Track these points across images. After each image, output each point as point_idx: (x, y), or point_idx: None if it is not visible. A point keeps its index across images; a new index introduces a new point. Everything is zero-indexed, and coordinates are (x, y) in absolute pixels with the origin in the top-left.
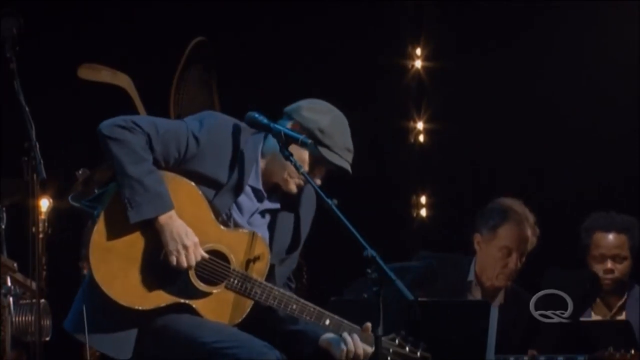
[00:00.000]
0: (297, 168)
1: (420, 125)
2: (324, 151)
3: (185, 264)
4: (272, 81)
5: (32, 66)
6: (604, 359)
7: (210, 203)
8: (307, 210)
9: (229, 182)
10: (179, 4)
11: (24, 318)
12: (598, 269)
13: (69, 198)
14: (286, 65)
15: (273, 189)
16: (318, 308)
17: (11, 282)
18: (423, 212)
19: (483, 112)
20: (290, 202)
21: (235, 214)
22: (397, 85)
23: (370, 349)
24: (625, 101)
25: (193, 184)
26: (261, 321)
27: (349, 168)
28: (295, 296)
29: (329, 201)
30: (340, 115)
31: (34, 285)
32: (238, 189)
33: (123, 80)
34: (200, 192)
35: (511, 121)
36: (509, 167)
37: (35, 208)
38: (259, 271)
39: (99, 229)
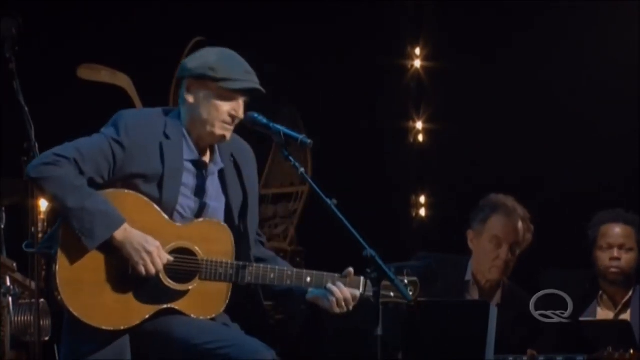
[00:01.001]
0: (297, 168)
1: (419, 125)
2: (224, 84)
3: (154, 270)
4: (272, 80)
5: (32, 66)
6: (603, 359)
7: (159, 201)
8: (244, 158)
9: (165, 168)
10: (179, 4)
11: (23, 318)
12: (604, 258)
13: (23, 246)
14: (285, 64)
15: (211, 152)
16: (295, 269)
17: (10, 282)
18: (422, 211)
19: (482, 111)
20: (227, 156)
21: (188, 199)
22: (397, 86)
23: (357, 292)
24: (625, 101)
25: (136, 193)
26: (245, 304)
27: (257, 86)
28: (269, 265)
29: (328, 201)
30: (225, 49)
31: (33, 285)
32: (178, 171)
33: (123, 80)
34: (145, 198)
35: (511, 121)
36: (509, 167)
37: (35, 208)
38: (226, 253)
39: (61, 265)
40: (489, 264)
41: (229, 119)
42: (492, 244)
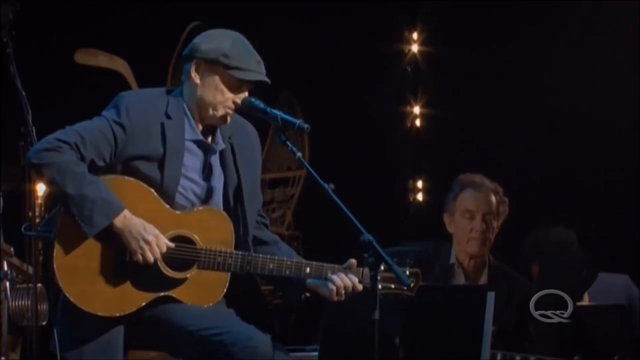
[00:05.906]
0: (294, 153)
1: (416, 109)
2: (235, 73)
3: (152, 259)
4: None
5: (29, 51)
6: None
7: (160, 182)
8: (243, 139)
9: (167, 149)
10: None
11: (20, 302)
12: None
13: (22, 229)
14: (283, 49)
15: (213, 132)
16: (295, 260)
17: (8, 266)
18: (420, 196)
19: (479, 96)
20: (226, 138)
21: (192, 181)
22: (394, 70)
23: (357, 280)
24: (622, 88)
25: (136, 179)
26: (242, 289)
27: (265, 79)
28: (268, 256)
29: (325, 185)
30: (237, 35)
31: (30, 269)
32: (179, 151)
33: (120, 65)
34: (144, 185)
35: (507, 105)
36: (506, 152)
37: (32, 193)
38: (225, 242)
39: (59, 251)
40: (466, 237)
41: (232, 106)
42: (465, 218)
